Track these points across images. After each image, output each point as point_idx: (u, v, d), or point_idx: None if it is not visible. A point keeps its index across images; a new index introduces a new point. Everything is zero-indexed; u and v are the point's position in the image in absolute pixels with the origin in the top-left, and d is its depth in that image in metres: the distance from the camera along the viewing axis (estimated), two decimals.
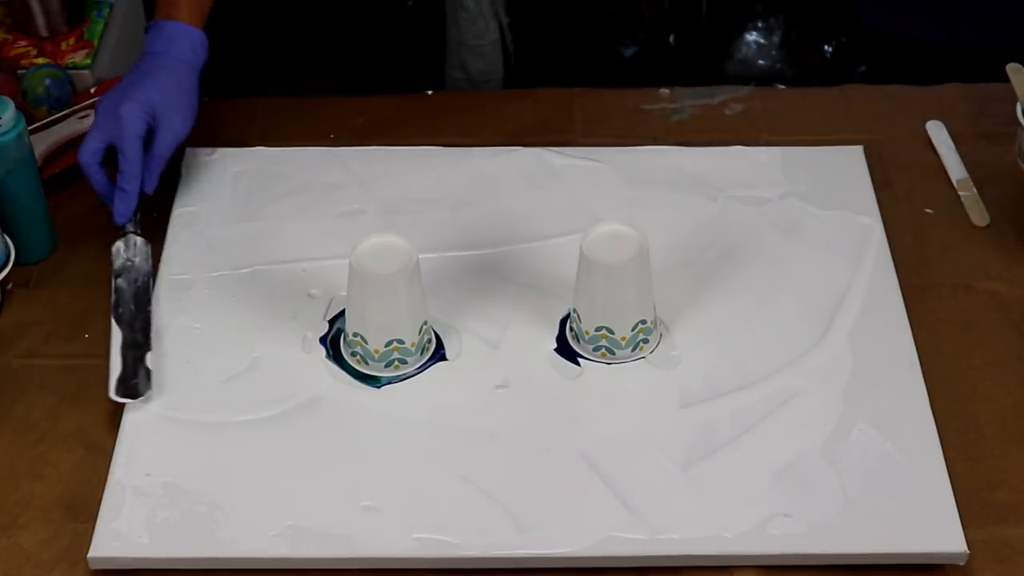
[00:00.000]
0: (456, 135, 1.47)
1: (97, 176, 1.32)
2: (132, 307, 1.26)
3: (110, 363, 1.22)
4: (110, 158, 1.32)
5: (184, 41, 1.33)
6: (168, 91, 1.31)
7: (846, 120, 1.49)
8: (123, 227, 1.32)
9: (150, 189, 1.32)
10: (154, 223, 1.38)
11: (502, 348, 1.24)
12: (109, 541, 1.10)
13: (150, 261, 1.31)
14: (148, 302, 1.27)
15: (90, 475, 1.16)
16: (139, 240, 1.32)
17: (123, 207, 1.31)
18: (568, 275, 1.22)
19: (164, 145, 1.31)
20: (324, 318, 1.26)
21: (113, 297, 1.27)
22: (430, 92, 1.55)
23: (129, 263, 1.30)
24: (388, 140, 1.46)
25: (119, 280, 1.29)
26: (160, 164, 1.32)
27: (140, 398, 1.19)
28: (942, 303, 1.30)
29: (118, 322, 1.25)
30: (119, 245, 1.31)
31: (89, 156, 1.31)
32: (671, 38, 1.58)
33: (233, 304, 1.28)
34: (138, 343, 1.23)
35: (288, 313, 1.27)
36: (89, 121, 1.44)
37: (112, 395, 1.19)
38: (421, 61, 1.62)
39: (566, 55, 1.59)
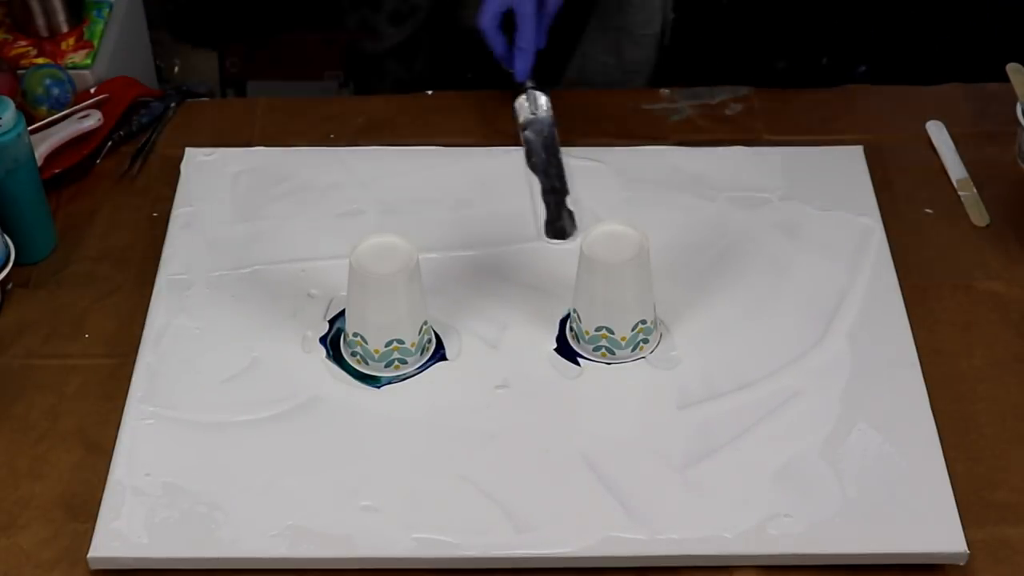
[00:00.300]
0: (456, 135, 1.47)
1: (497, 40, 1.40)
2: (543, 155, 1.38)
3: (534, 209, 1.34)
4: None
5: None
6: None
7: (846, 120, 1.49)
8: (523, 84, 1.42)
9: (542, 45, 1.40)
10: (154, 223, 1.38)
11: (502, 348, 1.24)
12: (109, 541, 1.10)
13: (551, 112, 1.42)
14: (557, 150, 1.39)
15: (90, 475, 1.16)
16: (538, 94, 1.43)
17: (523, 65, 1.40)
18: (568, 275, 1.22)
19: (554, 3, 1.39)
20: (324, 318, 1.26)
21: (524, 148, 1.40)
22: (430, 92, 1.55)
23: (533, 115, 1.42)
24: (388, 140, 1.46)
25: (527, 132, 1.41)
26: (549, 21, 1.40)
27: (568, 239, 1.30)
28: (942, 303, 1.30)
29: (533, 170, 1.38)
30: (521, 100, 1.43)
31: (489, 21, 1.39)
32: (824, 60, 1.60)
33: (233, 304, 1.28)
34: (556, 188, 1.35)
35: (288, 313, 1.27)
36: (89, 121, 1.44)
37: (544, 237, 1.31)
38: (562, 41, 1.63)
39: (719, 61, 1.60)
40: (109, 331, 1.28)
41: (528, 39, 1.39)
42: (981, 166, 1.43)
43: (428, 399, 1.20)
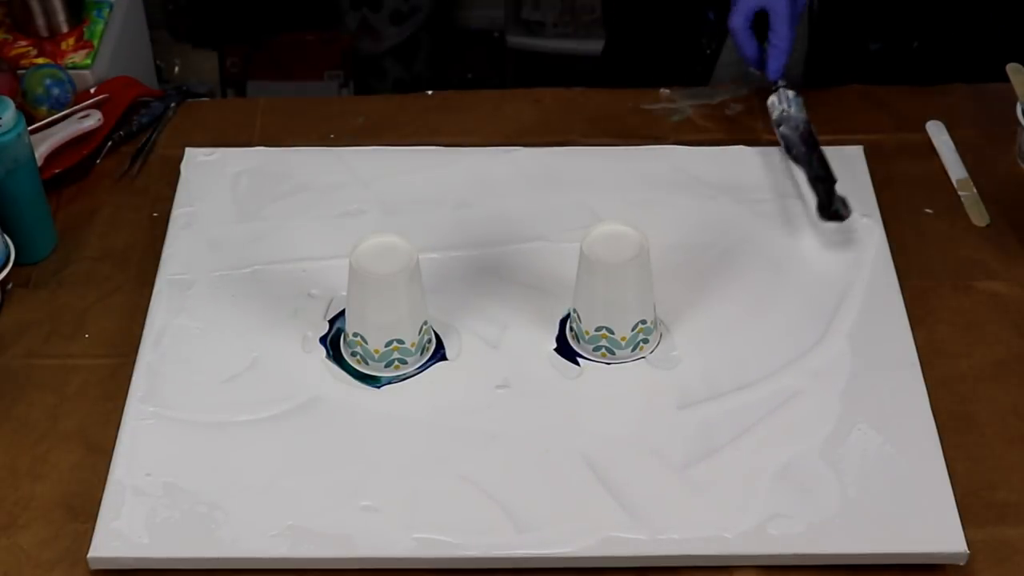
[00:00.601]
0: (456, 135, 1.47)
1: (748, 40, 1.42)
2: (803, 148, 1.40)
3: (803, 197, 1.36)
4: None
5: None
6: None
7: (846, 120, 1.49)
8: (775, 83, 1.44)
9: (792, 43, 1.42)
10: (154, 223, 1.38)
11: (502, 348, 1.24)
12: (109, 541, 1.10)
13: (803, 109, 1.44)
14: (817, 143, 1.41)
15: (90, 475, 1.16)
16: (789, 92, 1.44)
17: (776, 64, 1.42)
18: (568, 275, 1.22)
19: (801, 1, 1.41)
20: (324, 318, 1.26)
21: (781, 143, 1.42)
22: (430, 92, 1.55)
23: (785, 113, 1.43)
24: (388, 140, 1.46)
25: (781, 128, 1.43)
26: (796, 22, 1.42)
27: (844, 220, 1.32)
28: (942, 303, 1.30)
29: (795, 162, 1.40)
30: (773, 99, 1.45)
31: (741, 21, 1.41)
32: (914, 44, 1.60)
33: (233, 304, 1.28)
34: (821, 177, 1.37)
35: (288, 313, 1.27)
36: (89, 121, 1.44)
37: (819, 219, 1.33)
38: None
39: (863, 42, 1.61)
40: (109, 331, 1.28)
41: (783, 37, 1.40)
42: (981, 166, 1.43)
43: (428, 399, 1.20)
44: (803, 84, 1.56)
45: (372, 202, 1.37)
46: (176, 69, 2.38)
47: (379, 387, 1.21)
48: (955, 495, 1.12)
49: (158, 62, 1.92)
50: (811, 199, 1.36)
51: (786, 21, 1.40)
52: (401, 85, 2.62)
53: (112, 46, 1.62)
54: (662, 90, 1.53)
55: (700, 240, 1.33)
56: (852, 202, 1.36)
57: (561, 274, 1.26)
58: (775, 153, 1.43)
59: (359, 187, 1.39)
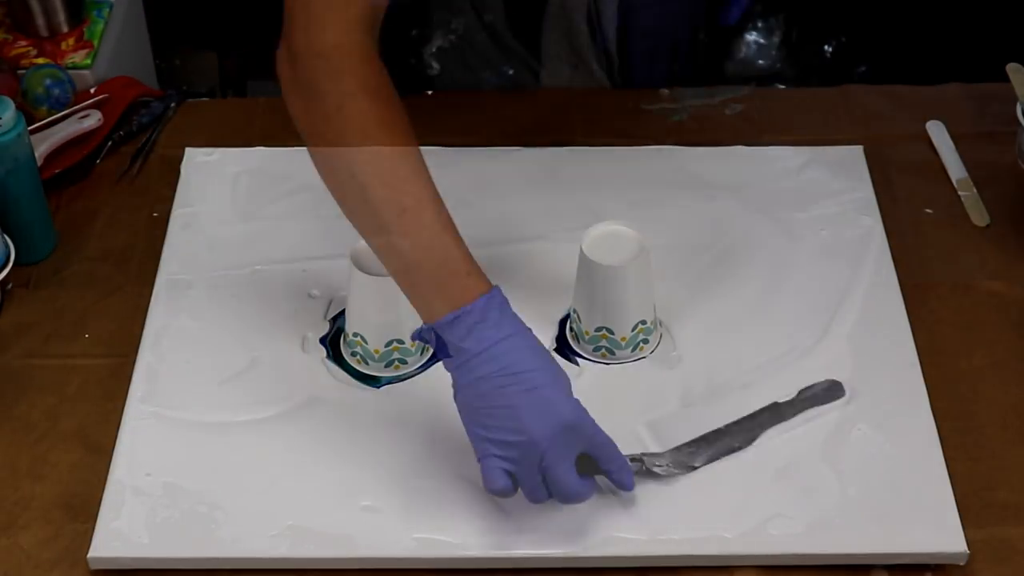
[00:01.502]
0: (456, 135, 1.47)
1: None
2: None
3: None
4: None
5: None
6: None
7: (846, 120, 1.49)
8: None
9: None
10: (154, 223, 1.38)
11: None
12: (109, 541, 1.10)
13: None
14: None
15: (90, 475, 1.16)
16: None
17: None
18: (568, 275, 1.22)
19: None
20: (324, 318, 1.26)
21: None
22: (430, 92, 1.55)
23: None
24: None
25: None
26: None
27: None
28: (942, 303, 1.30)
29: None
30: None
31: None
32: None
33: (233, 304, 1.28)
34: None
35: (288, 313, 1.27)
36: (89, 121, 1.44)
37: None
38: None
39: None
40: (109, 331, 1.28)
41: None
42: (981, 166, 1.43)
43: (428, 399, 1.20)
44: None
45: None
46: (176, 69, 2.37)
47: (379, 387, 1.21)
48: (955, 495, 1.12)
49: (158, 62, 1.92)
50: None
51: None
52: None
53: (112, 46, 1.62)
54: (662, 90, 1.53)
55: (700, 240, 1.33)
56: (852, 202, 1.36)
57: (561, 274, 1.26)
58: (775, 153, 1.43)
59: None
